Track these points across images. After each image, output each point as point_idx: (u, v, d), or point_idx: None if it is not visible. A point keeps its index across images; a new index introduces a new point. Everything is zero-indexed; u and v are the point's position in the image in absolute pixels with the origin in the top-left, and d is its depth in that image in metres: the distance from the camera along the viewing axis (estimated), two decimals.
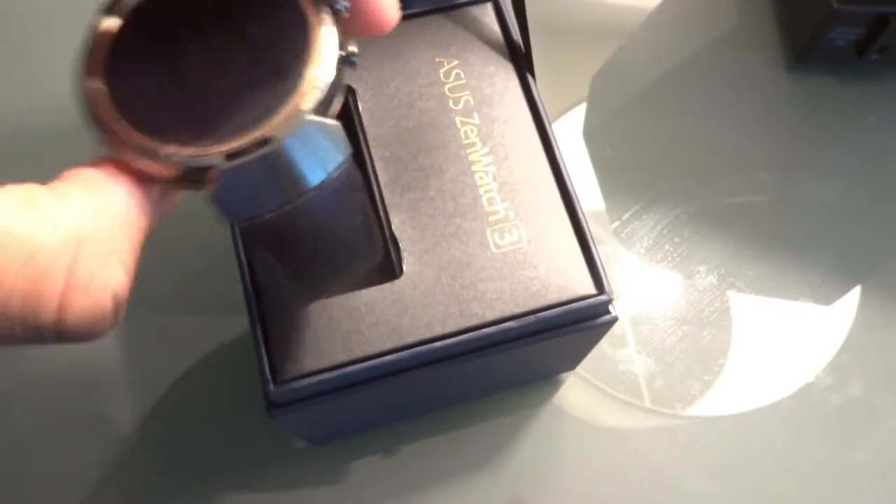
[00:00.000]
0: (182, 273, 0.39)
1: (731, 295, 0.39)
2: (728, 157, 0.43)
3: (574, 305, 0.27)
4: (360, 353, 0.26)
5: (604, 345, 0.38)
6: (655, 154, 0.43)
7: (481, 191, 0.28)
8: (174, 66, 0.19)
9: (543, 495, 0.35)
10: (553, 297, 0.27)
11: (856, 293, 0.40)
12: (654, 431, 0.37)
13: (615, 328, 0.37)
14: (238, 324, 0.36)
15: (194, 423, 0.36)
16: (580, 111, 0.44)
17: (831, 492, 0.36)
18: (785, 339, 0.39)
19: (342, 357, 0.26)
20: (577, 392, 0.37)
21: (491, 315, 0.26)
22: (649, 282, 0.40)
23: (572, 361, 0.35)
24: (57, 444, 0.36)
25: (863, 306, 0.39)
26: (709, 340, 0.39)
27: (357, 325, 0.26)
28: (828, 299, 0.39)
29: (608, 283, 0.27)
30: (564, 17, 0.47)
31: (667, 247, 0.41)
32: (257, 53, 0.19)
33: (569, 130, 0.44)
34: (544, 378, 0.37)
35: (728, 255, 0.40)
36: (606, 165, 0.43)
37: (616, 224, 0.41)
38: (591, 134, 0.44)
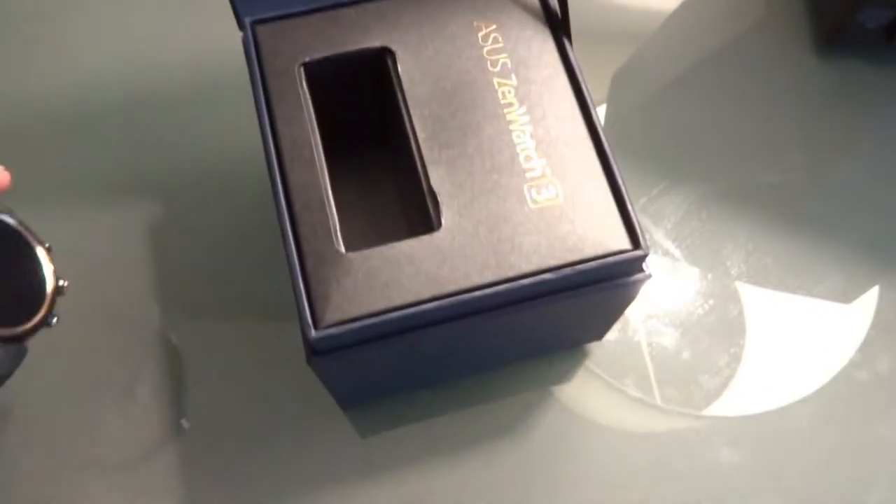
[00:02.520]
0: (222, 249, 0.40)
1: (758, 271, 0.40)
2: (756, 140, 0.43)
3: (610, 259, 0.27)
4: (399, 301, 0.26)
5: (630, 316, 0.39)
6: (683, 137, 0.43)
7: (518, 148, 0.29)
8: None
9: (565, 465, 0.36)
10: (589, 251, 0.27)
11: (882, 272, 0.40)
12: (679, 403, 0.37)
13: (643, 299, 0.37)
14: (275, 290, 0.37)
15: (229, 384, 0.37)
16: (605, 104, 0.45)
17: (856, 467, 0.36)
18: (811, 317, 0.39)
19: (382, 304, 0.26)
20: (602, 366, 0.38)
21: (528, 267, 0.27)
22: (677, 256, 0.40)
23: (601, 328, 0.36)
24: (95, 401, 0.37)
25: (889, 285, 0.40)
26: (735, 315, 0.39)
27: (397, 274, 0.26)
28: (855, 278, 0.40)
29: (644, 239, 0.28)
30: (586, 17, 0.48)
31: (694, 223, 0.41)
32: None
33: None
34: (571, 347, 0.38)
35: (755, 232, 0.41)
36: (634, 147, 0.43)
37: (644, 200, 0.41)
38: (620, 121, 0.44)
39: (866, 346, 0.38)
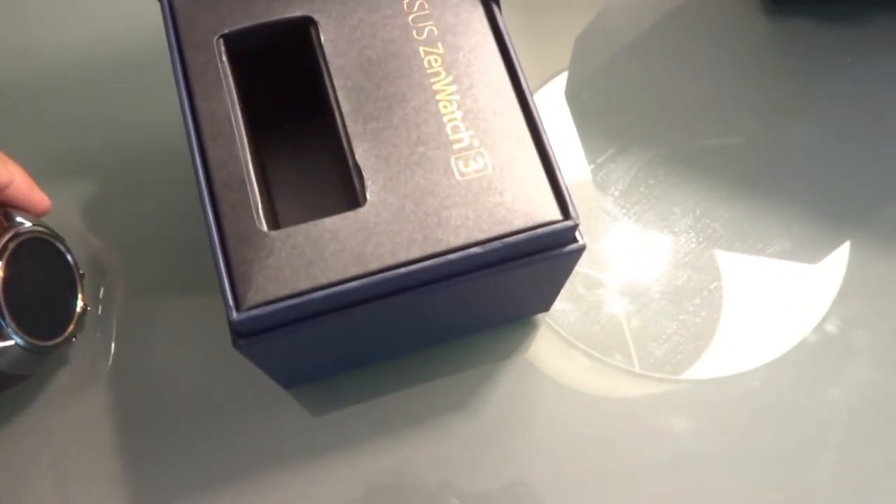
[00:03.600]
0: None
1: (707, 236, 0.39)
2: (704, 101, 0.43)
3: (540, 231, 0.27)
4: (323, 280, 0.25)
5: (578, 285, 0.38)
6: (630, 100, 0.43)
7: (445, 119, 0.28)
8: None
9: (516, 436, 0.36)
10: (518, 223, 0.26)
11: (830, 233, 0.40)
12: (630, 371, 0.37)
13: (591, 268, 0.37)
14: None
15: (172, 364, 0.36)
16: (561, 70, 0.44)
17: (806, 429, 0.36)
18: (760, 281, 0.39)
19: (305, 284, 0.25)
20: (551, 337, 0.37)
21: (455, 241, 0.26)
22: (624, 224, 0.40)
23: (545, 300, 0.35)
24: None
25: (837, 246, 0.39)
26: (683, 281, 0.38)
27: (321, 252, 0.26)
28: (802, 239, 0.39)
29: (574, 209, 0.27)
30: None
31: (641, 189, 0.40)
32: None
33: (545, 82, 0.43)
34: (519, 318, 0.37)
35: (703, 196, 0.40)
36: (581, 111, 0.42)
37: (592, 167, 0.41)
38: (568, 83, 0.43)
39: (815, 309, 0.38)
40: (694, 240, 0.39)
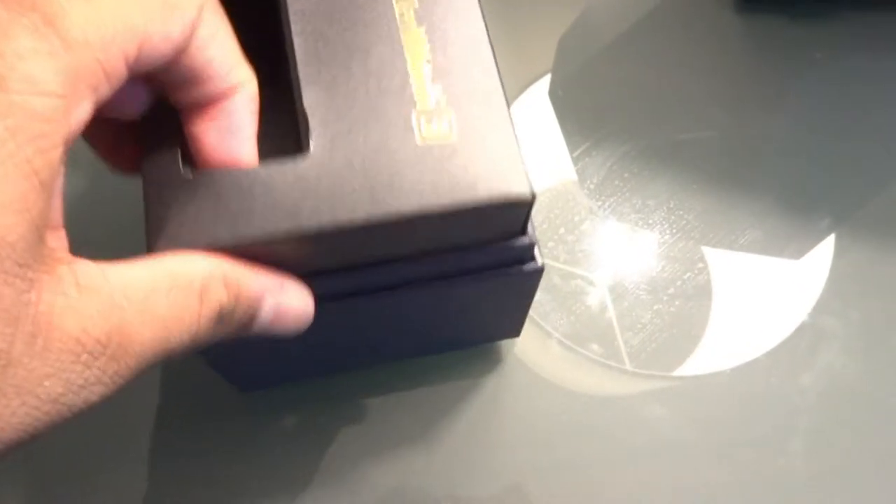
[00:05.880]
0: None
1: (679, 227, 0.40)
2: (678, 97, 0.44)
3: (500, 204, 0.24)
4: (247, 234, 0.22)
5: (554, 276, 0.39)
6: (607, 96, 0.44)
7: (412, 75, 0.25)
8: None
9: (490, 425, 0.36)
10: (481, 193, 0.24)
11: (800, 224, 0.40)
12: (605, 361, 0.37)
13: (567, 259, 0.37)
14: None
15: None
16: (543, 70, 0.45)
17: (777, 415, 0.36)
18: (732, 270, 0.39)
19: (225, 237, 0.22)
20: (527, 324, 0.38)
21: (407, 206, 0.23)
22: (599, 216, 0.40)
23: (510, 324, 0.35)
24: None
25: (807, 236, 0.40)
26: (657, 272, 0.39)
27: (250, 204, 0.23)
28: (774, 230, 0.40)
29: (533, 226, 0.26)
30: None
31: (616, 182, 0.41)
32: None
33: (528, 83, 0.44)
34: (486, 342, 0.37)
35: (676, 189, 0.41)
36: (560, 107, 0.43)
37: (567, 161, 0.42)
38: (551, 82, 0.44)
39: (787, 297, 0.39)
40: (668, 231, 0.40)
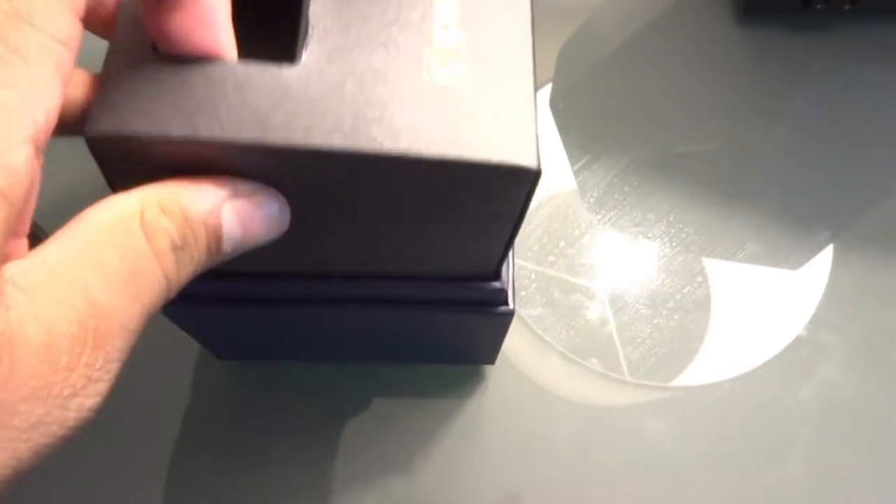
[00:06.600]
0: None
1: (679, 241, 0.40)
2: (678, 109, 0.44)
3: (500, 170, 0.21)
4: (204, 133, 0.19)
5: (554, 290, 0.39)
6: (607, 108, 0.44)
7: (437, 9, 0.22)
8: None
9: (486, 439, 0.36)
10: (480, 153, 0.20)
11: (800, 237, 0.41)
12: (605, 374, 0.38)
13: (567, 274, 0.38)
14: None
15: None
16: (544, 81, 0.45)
17: (777, 428, 0.37)
18: (731, 283, 0.40)
19: (178, 129, 0.19)
20: (527, 338, 0.38)
21: (393, 146, 0.20)
22: (599, 230, 0.41)
23: (485, 348, 0.35)
24: None
25: (806, 249, 0.40)
26: (658, 285, 0.39)
27: (216, 101, 0.20)
28: (773, 244, 0.40)
29: (510, 271, 0.27)
30: None
31: (616, 195, 0.41)
32: None
33: None
34: (463, 362, 0.38)
35: (676, 202, 0.41)
36: (557, 116, 0.43)
37: (568, 175, 0.42)
38: (552, 93, 0.44)
39: (786, 311, 0.39)
40: (668, 245, 0.40)
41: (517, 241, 0.38)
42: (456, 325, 0.30)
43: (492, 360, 0.37)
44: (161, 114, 0.19)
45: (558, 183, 0.42)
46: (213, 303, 0.27)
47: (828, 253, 0.40)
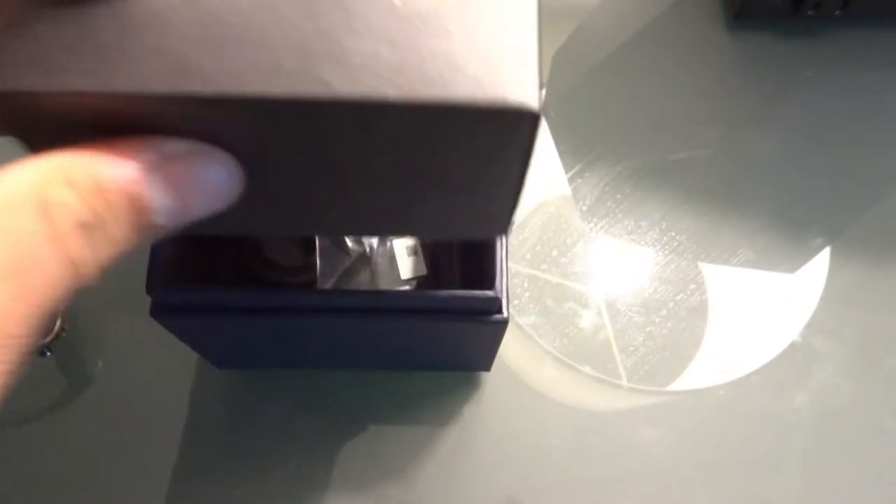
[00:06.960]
0: None
1: (672, 248, 0.40)
2: (670, 116, 0.44)
3: (489, 111, 0.16)
4: (110, 87, 0.15)
5: (548, 299, 0.39)
6: (597, 114, 0.44)
7: None
8: None
9: (482, 447, 0.36)
10: (461, 90, 0.16)
11: (791, 243, 0.41)
12: (599, 381, 0.38)
13: (561, 281, 0.38)
14: None
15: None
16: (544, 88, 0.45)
17: (772, 435, 0.37)
18: (724, 290, 0.40)
19: (80, 83, 0.15)
20: (522, 345, 0.38)
21: (347, 88, 0.15)
22: (592, 238, 0.41)
23: (481, 355, 0.35)
24: None
25: (798, 256, 0.40)
26: (650, 293, 0.39)
27: (124, 43, 0.16)
28: (765, 250, 0.40)
29: (504, 281, 0.27)
30: None
31: (609, 203, 0.41)
32: None
33: None
34: (460, 369, 0.38)
35: (668, 209, 0.41)
36: (549, 125, 0.43)
37: (560, 183, 0.42)
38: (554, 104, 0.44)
39: (779, 317, 0.39)
40: (660, 252, 0.40)
41: (510, 248, 0.39)
42: (451, 334, 0.31)
43: (487, 367, 0.37)
44: (61, 64, 0.15)
45: (551, 191, 0.42)
46: (210, 313, 0.28)
47: (822, 258, 0.40)
